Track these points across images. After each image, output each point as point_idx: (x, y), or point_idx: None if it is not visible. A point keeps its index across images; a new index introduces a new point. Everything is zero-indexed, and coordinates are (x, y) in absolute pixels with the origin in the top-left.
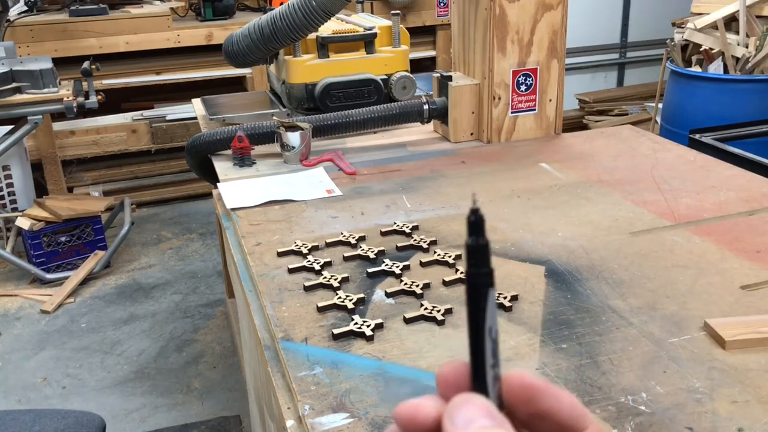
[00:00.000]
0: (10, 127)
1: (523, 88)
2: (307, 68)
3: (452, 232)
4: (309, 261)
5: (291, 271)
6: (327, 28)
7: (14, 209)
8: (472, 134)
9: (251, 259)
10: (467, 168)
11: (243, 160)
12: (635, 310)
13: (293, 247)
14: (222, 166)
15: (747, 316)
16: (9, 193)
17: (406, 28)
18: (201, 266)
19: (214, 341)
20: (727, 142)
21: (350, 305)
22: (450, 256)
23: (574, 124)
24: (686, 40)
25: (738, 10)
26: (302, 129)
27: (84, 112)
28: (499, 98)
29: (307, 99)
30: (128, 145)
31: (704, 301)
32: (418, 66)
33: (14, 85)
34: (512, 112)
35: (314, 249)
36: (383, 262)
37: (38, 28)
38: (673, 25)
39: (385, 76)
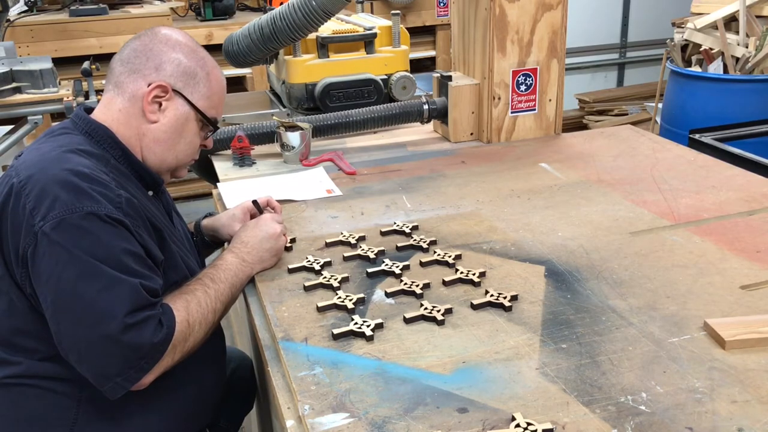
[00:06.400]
0: (10, 127)
1: (523, 88)
2: (307, 68)
3: (452, 232)
4: (309, 261)
5: (291, 271)
6: (327, 28)
7: None
8: (472, 134)
9: None
10: (467, 168)
11: (243, 160)
12: (635, 310)
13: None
14: (222, 166)
15: (747, 316)
16: None
17: (406, 28)
18: None
19: None
20: (727, 142)
21: (350, 305)
22: (450, 256)
23: (574, 124)
24: (686, 40)
25: (738, 10)
26: (302, 129)
27: None
28: (499, 98)
29: (307, 99)
30: None
31: (704, 301)
32: (418, 66)
33: (14, 85)
34: (512, 112)
35: (318, 250)
36: (383, 262)
37: (38, 28)
38: (673, 25)
39: (385, 76)
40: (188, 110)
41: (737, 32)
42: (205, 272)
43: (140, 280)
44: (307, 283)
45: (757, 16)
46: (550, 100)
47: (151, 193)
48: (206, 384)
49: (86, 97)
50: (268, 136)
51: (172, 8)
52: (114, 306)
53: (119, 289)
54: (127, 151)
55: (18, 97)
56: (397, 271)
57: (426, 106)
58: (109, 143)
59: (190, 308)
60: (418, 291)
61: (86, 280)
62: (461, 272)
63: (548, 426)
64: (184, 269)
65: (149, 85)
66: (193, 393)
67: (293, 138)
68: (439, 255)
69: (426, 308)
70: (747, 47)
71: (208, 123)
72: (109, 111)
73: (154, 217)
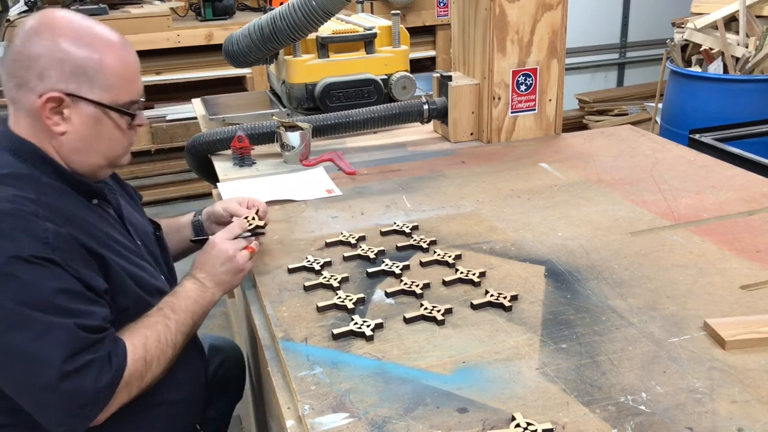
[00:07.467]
0: None
1: (523, 88)
2: (307, 68)
3: (452, 232)
4: (309, 261)
5: (291, 271)
6: (327, 28)
7: None
8: (472, 134)
9: None
10: (467, 168)
11: (243, 160)
12: (635, 310)
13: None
14: (222, 166)
15: (747, 316)
16: None
17: (406, 28)
18: None
19: None
20: (727, 142)
21: (350, 305)
22: (450, 256)
23: (574, 124)
24: (686, 40)
25: (738, 10)
26: (302, 129)
27: None
28: (499, 98)
29: (307, 99)
30: None
31: (704, 301)
32: (418, 66)
33: None
34: (512, 112)
35: (318, 249)
36: (383, 262)
37: None
38: (673, 25)
39: (385, 76)
40: (94, 109)
41: (737, 32)
42: (166, 301)
43: (76, 320)
44: (307, 283)
45: (757, 16)
46: (550, 100)
47: (95, 201)
48: (188, 393)
49: None
50: (268, 136)
51: (172, 8)
52: (49, 354)
53: (53, 334)
54: (55, 164)
55: None
56: (397, 271)
57: (426, 106)
58: (38, 160)
59: (148, 344)
60: (418, 291)
61: (17, 329)
62: (461, 272)
63: (548, 426)
64: (136, 291)
65: (40, 97)
66: (176, 399)
67: (293, 138)
68: (439, 255)
69: (426, 308)
70: (747, 47)
71: (122, 113)
72: (19, 127)
73: (93, 239)
